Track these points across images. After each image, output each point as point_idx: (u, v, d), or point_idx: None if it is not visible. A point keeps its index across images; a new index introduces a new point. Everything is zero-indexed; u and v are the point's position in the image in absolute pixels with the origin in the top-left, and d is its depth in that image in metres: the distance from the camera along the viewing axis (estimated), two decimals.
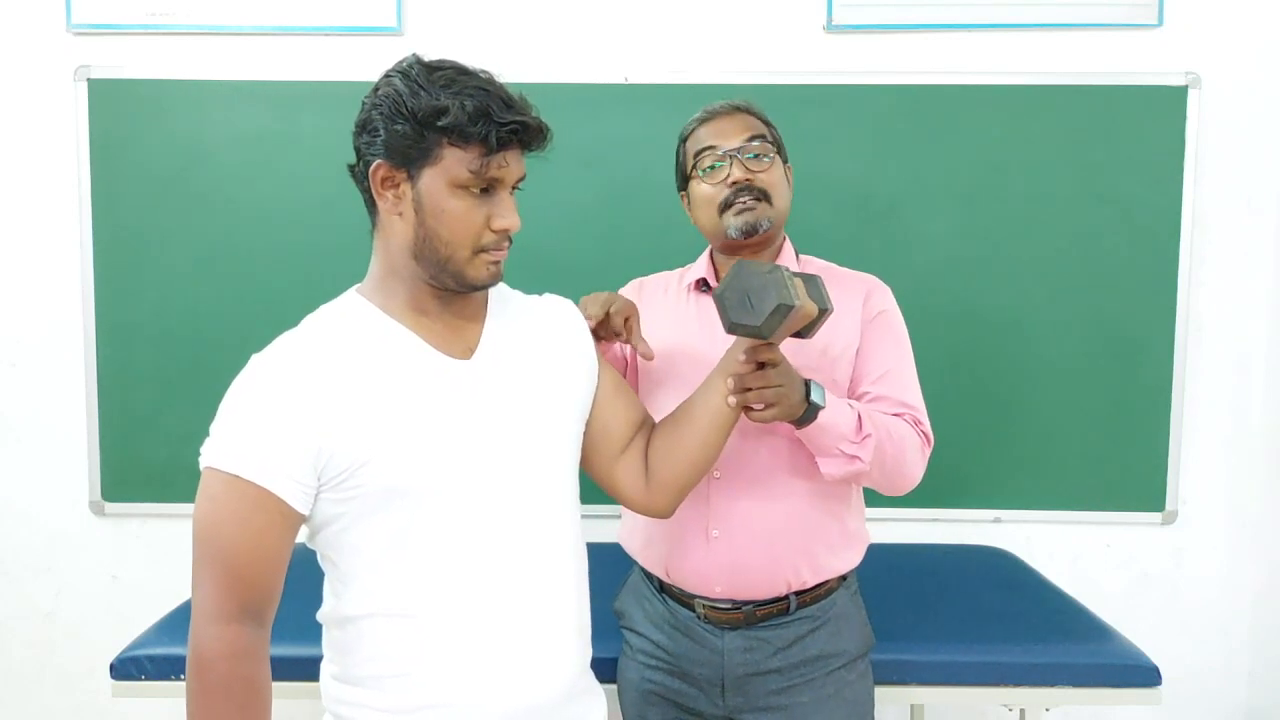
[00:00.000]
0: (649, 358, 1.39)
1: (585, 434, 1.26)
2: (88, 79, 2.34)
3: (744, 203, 1.43)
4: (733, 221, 1.44)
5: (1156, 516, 2.41)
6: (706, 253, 1.57)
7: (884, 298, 1.52)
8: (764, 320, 1.18)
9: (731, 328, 1.21)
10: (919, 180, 2.34)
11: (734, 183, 1.43)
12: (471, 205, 1.08)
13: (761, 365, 1.26)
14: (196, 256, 2.36)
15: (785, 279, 1.18)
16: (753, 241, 1.46)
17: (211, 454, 1.06)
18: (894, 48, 2.35)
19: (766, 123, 1.50)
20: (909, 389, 1.48)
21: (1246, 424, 2.43)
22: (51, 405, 2.43)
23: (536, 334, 1.22)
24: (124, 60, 2.36)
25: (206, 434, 1.08)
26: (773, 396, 1.25)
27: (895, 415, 1.43)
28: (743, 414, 1.29)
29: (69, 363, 2.41)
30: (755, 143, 1.44)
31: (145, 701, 1.80)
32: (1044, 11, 2.33)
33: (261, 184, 2.36)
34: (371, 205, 1.13)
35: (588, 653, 1.22)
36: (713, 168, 1.45)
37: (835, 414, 1.33)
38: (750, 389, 1.25)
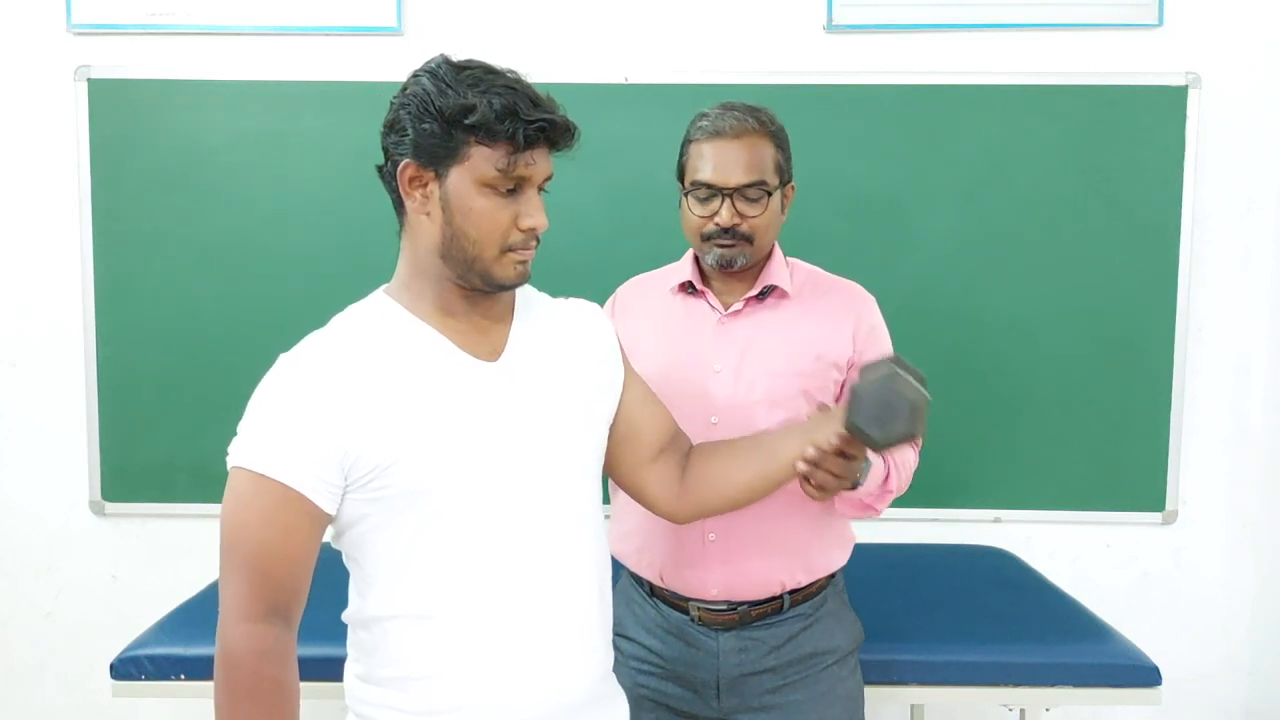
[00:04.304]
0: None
1: (611, 437, 1.26)
2: (88, 79, 2.34)
3: (724, 242, 1.42)
4: (711, 252, 1.44)
5: (1156, 516, 2.41)
6: (690, 254, 1.55)
7: (873, 311, 1.53)
8: (888, 441, 1.15)
9: (852, 427, 1.16)
10: (919, 180, 2.34)
11: (719, 223, 1.42)
12: (499, 204, 1.08)
13: (845, 454, 1.22)
14: (196, 256, 2.36)
15: (924, 405, 1.15)
16: (729, 273, 1.47)
17: (239, 453, 1.06)
18: (894, 48, 2.35)
19: (777, 141, 1.45)
20: None
21: (1246, 424, 2.42)
22: (51, 405, 2.43)
23: (563, 337, 1.22)
24: (124, 60, 2.36)
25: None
26: (837, 485, 1.24)
27: None
28: (791, 468, 1.25)
29: (69, 363, 2.41)
30: (753, 189, 1.41)
31: (145, 701, 1.80)
32: (1044, 11, 2.33)
33: (261, 184, 2.35)
34: (399, 205, 1.13)
35: (610, 656, 1.22)
36: (705, 199, 1.43)
37: (870, 483, 1.34)
38: (823, 469, 1.22)
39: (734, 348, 1.47)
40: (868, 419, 1.14)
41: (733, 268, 1.45)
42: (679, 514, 1.31)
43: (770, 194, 1.42)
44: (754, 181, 1.41)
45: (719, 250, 1.43)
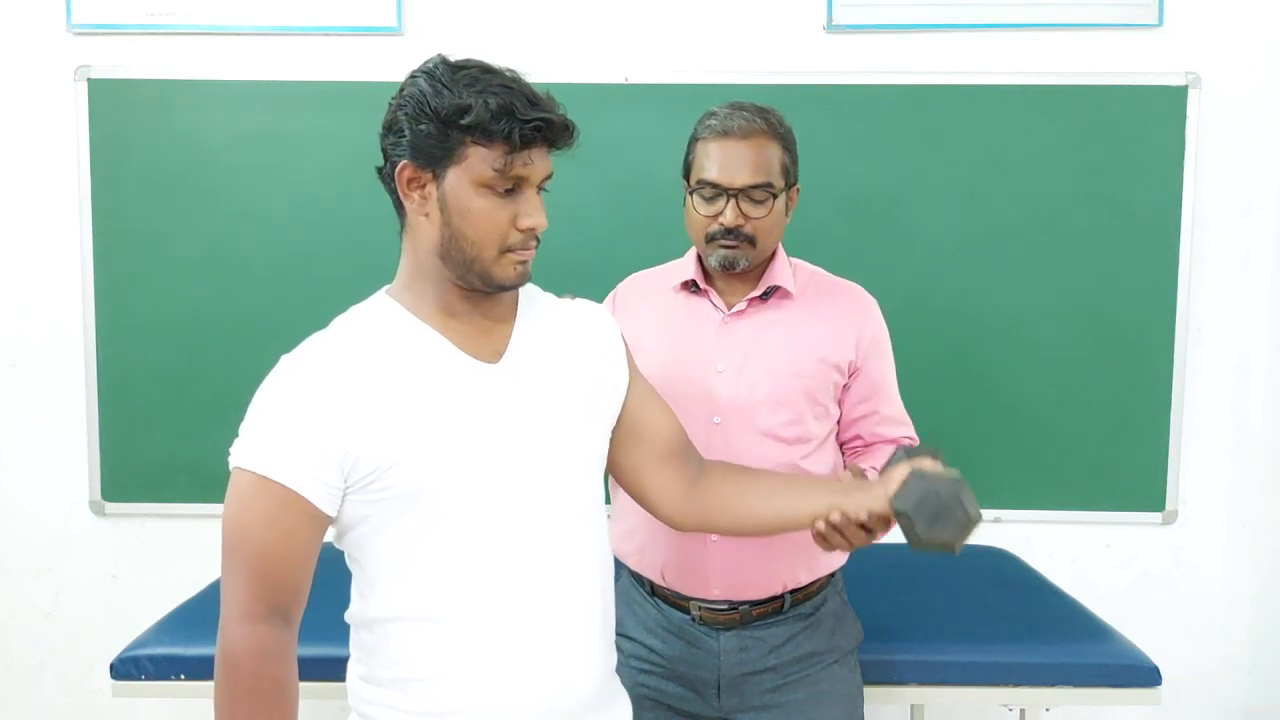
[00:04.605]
0: None
1: (615, 438, 1.25)
2: (88, 79, 2.34)
3: (728, 243, 1.42)
4: (715, 253, 1.44)
5: (1156, 516, 2.41)
6: (693, 252, 1.55)
7: (877, 319, 1.54)
8: (923, 541, 1.14)
9: (900, 514, 1.15)
10: (919, 180, 2.34)
11: (723, 223, 1.42)
12: (497, 204, 1.07)
13: (866, 528, 1.21)
14: (196, 256, 2.36)
15: (975, 527, 1.14)
16: (732, 273, 1.47)
17: (240, 454, 1.06)
18: (894, 48, 2.35)
19: (784, 143, 1.45)
20: (899, 402, 1.55)
21: (1246, 424, 2.43)
22: (51, 405, 2.43)
23: (566, 338, 1.21)
24: (124, 60, 2.36)
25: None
26: (846, 549, 1.24)
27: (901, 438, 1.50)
28: (810, 521, 1.23)
29: (69, 363, 2.41)
30: (759, 190, 1.41)
31: (145, 701, 1.80)
32: (1044, 11, 2.33)
33: (261, 184, 2.36)
34: (399, 206, 1.13)
35: (613, 657, 1.22)
36: (710, 199, 1.43)
37: None
38: (841, 535, 1.21)
39: (737, 348, 1.47)
40: (920, 513, 1.12)
41: (735, 269, 1.45)
42: (683, 523, 1.30)
43: (775, 196, 1.42)
44: (760, 183, 1.41)
45: (722, 251, 1.43)
